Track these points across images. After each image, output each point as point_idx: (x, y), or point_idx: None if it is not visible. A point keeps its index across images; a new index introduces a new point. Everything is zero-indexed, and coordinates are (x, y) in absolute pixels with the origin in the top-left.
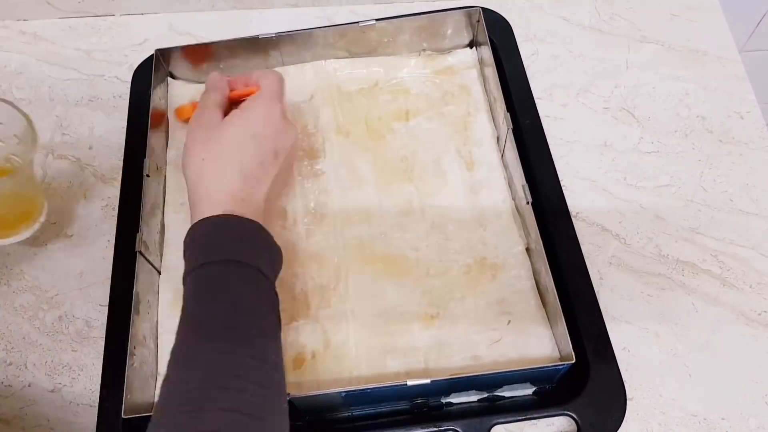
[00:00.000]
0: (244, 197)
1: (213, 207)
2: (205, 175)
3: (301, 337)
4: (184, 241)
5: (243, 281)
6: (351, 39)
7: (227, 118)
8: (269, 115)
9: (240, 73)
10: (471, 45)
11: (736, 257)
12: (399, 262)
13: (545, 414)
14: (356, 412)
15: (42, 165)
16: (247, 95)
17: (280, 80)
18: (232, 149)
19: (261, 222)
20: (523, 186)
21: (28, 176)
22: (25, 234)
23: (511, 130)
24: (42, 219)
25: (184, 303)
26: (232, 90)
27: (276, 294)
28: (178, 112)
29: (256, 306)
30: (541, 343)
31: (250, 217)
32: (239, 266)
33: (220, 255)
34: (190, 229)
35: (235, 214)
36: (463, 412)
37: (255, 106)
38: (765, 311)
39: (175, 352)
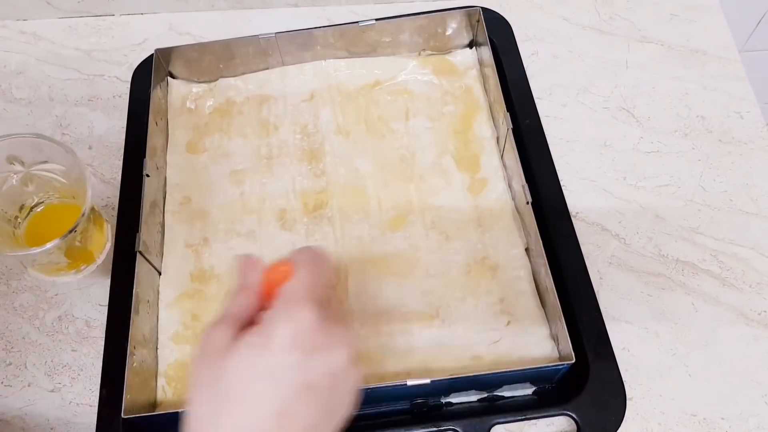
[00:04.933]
0: None
1: None
2: None
3: None
4: None
5: None
6: (351, 39)
7: (237, 341)
8: (295, 332)
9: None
10: (471, 45)
11: (736, 257)
12: (399, 262)
13: (545, 414)
14: (356, 412)
15: None
16: (281, 281)
17: (315, 259)
18: (238, 394)
19: None
20: (523, 186)
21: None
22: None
23: (511, 130)
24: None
25: None
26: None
27: None
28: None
29: None
30: (540, 343)
31: None
32: None
33: None
34: None
35: None
36: (463, 412)
37: (274, 320)
38: (765, 311)
39: None
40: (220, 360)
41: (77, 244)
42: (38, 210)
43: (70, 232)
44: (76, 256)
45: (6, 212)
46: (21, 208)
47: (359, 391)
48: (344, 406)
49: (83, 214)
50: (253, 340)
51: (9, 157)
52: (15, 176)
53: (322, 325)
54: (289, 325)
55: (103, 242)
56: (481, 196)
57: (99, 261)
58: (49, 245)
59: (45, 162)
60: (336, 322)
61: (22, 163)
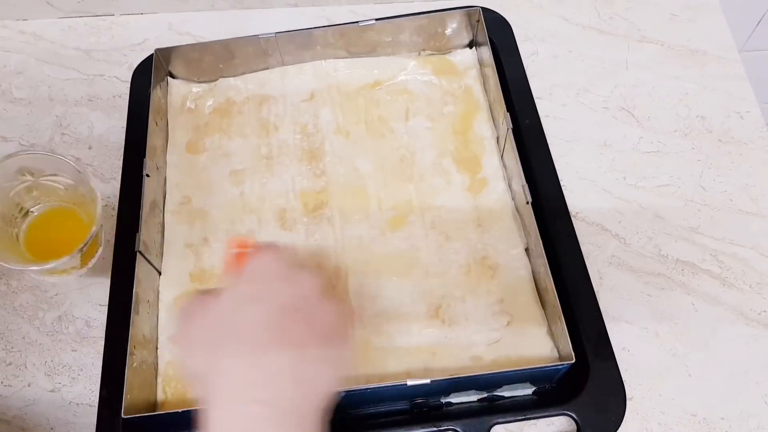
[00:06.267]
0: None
1: None
2: (210, 379)
3: None
4: None
5: None
6: (351, 39)
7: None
8: (262, 266)
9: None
10: (471, 45)
11: (736, 257)
12: (398, 262)
13: (545, 414)
14: (356, 412)
15: None
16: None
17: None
18: (231, 318)
19: None
20: (523, 186)
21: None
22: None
23: (510, 130)
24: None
25: None
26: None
27: None
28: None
29: None
30: (540, 343)
31: None
32: None
33: None
34: None
35: None
36: (463, 412)
37: (248, 265)
38: (765, 311)
39: None
40: (206, 305)
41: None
42: (35, 212)
43: (84, 246)
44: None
45: (8, 214)
46: (21, 209)
47: (346, 327)
48: (332, 335)
49: (92, 235)
50: (228, 280)
51: (21, 168)
52: (23, 185)
53: (286, 263)
54: (256, 262)
55: (95, 249)
56: (481, 196)
57: (90, 264)
58: (64, 258)
59: (54, 174)
60: (302, 269)
61: (32, 174)
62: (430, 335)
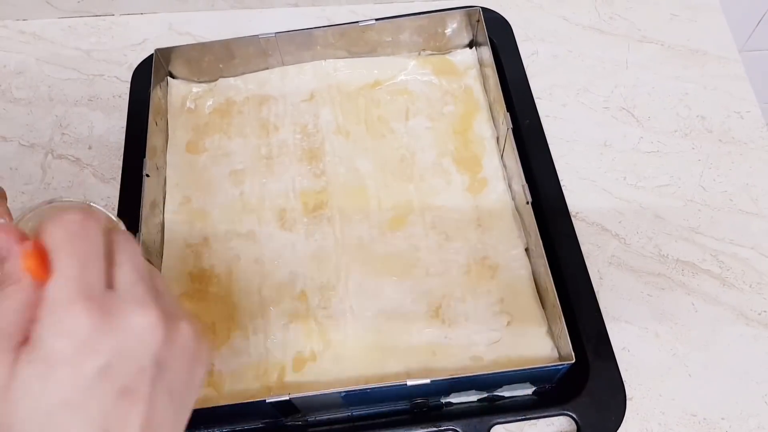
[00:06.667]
0: None
1: None
2: None
3: (301, 337)
4: None
5: None
6: (351, 39)
7: (12, 376)
8: (75, 344)
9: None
10: (471, 45)
11: (736, 257)
12: (399, 262)
13: (545, 414)
14: (356, 412)
15: (41, 165)
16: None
17: (76, 236)
18: None
19: None
20: (523, 186)
21: None
22: None
23: (510, 130)
24: None
25: None
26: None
27: None
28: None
29: None
30: (540, 343)
31: None
32: None
33: None
34: None
35: None
36: (463, 412)
37: (44, 337)
38: (765, 311)
39: None
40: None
41: None
42: None
43: None
44: None
45: None
46: None
47: (203, 355)
48: (191, 386)
49: None
50: (29, 370)
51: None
52: None
53: (106, 322)
54: (64, 340)
55: None
56: (481, 196)
57: None
58: None
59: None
60: (127, 301)
61: None
62: (430, 335)
